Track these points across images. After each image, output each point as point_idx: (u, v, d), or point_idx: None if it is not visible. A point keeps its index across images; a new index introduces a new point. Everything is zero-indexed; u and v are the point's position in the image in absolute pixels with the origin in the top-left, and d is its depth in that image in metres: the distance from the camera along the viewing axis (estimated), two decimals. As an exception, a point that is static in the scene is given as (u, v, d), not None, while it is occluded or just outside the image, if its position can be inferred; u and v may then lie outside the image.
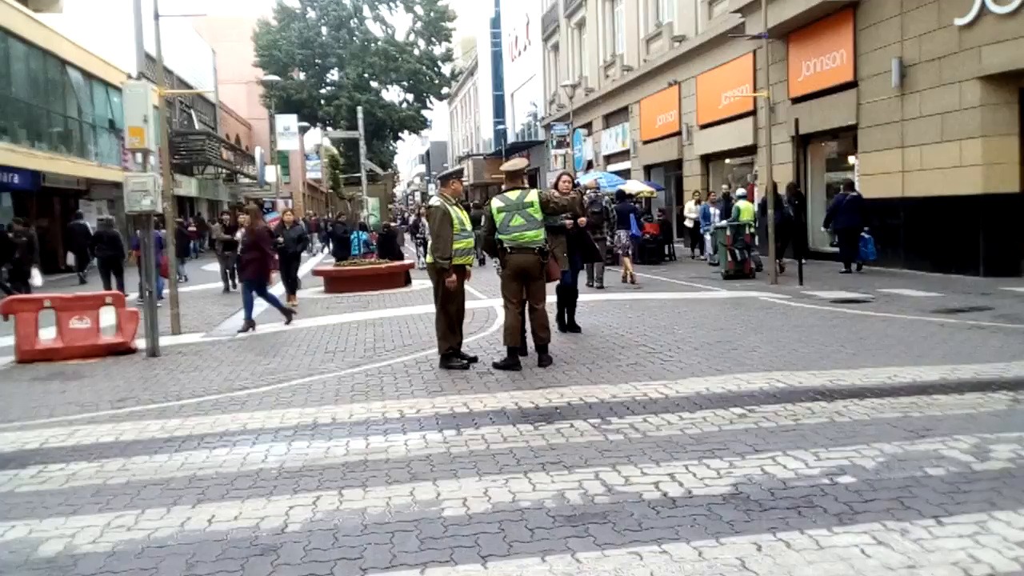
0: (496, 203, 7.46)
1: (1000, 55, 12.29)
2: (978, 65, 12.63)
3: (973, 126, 12.82)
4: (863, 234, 14.84)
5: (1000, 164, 12.65)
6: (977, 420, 5.05)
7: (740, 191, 17.57)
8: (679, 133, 24.33)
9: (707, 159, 23.28)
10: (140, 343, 9.45)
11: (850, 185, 15.68)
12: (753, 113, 19.68)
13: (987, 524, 3.46)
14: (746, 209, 16.17)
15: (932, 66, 13.59)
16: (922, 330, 8.53)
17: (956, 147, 13.15)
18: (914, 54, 14.02)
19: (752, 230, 15.56)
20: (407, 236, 30.24)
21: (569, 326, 9.23)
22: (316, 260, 23.71)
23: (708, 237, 18.06)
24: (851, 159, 16.81)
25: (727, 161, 22.76)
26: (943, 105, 13.38)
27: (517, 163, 8.05)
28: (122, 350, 9.34)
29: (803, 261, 13.81)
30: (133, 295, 13.94)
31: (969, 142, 12.90)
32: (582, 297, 12.16)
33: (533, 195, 7.46)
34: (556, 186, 8.75)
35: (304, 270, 17.66)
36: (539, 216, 7.38)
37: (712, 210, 18.29)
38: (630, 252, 16.01)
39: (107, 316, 9.75)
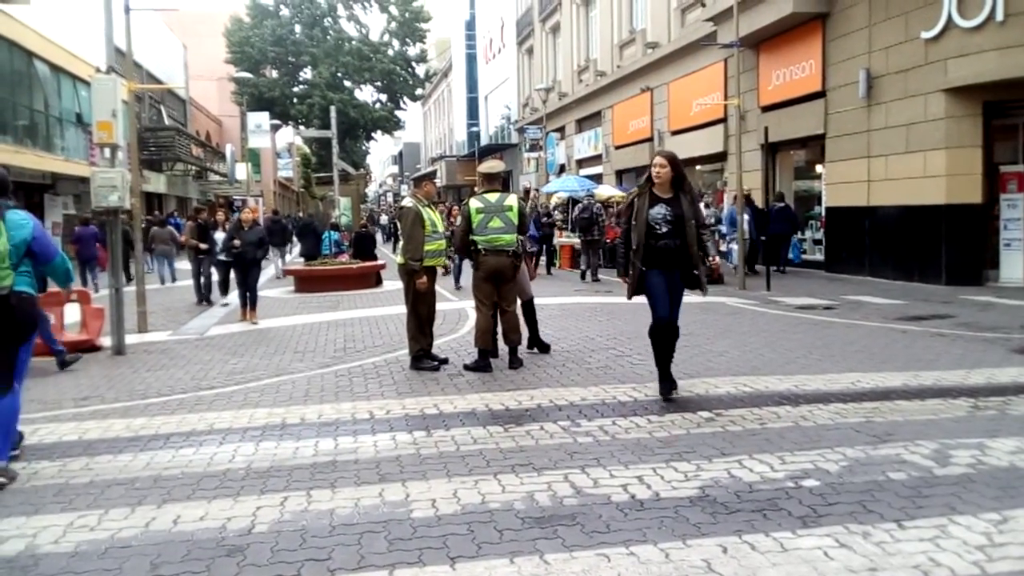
0: (475, 204, 7.44)
1: (965, 68, 12.55)
2: (943, 78, 12.89)
3: (938, 137, 13.08)
4: (793, 240, 17.01)
5: (963, 175, 12.92)
6: (938, 426, 5.15)
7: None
8: (651, 139, 24.52)
9: (678, 165, 23.44)
10: (106, 341, 9.31)
11: (780, 197, 16.91)
12: (724, 120, 19.89)
13: (947, 528, 3.53)
14: None
15: (898, 78, 13.84)
16: (885, 337, 8.68)
17: (921, 158, 13.41)
18: (881, 66, 14.27)
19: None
20: (379, 238, 30.20)
21: (663, 379, 6.10)
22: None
23: (734, 247, 15.38)
24: (818, 168, 17.08)
25: (698, 168, 22.97)
26: (909, 116, 13.63)
27: (495, 165, 8.04)
28: (87, 348, 9.19)
29: (771, 268, 14.00)
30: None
31: (933, 153, 13.16)
32: (550, 300, 12.22)
33: (512, 200, 7.49)
34: (651, 167, 5.96)
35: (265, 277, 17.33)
36: (516, 220, 7.41)
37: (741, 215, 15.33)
38: (533, 252, 17.72)
39: (72, 313, 9.60)
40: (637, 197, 6.06)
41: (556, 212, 22.46)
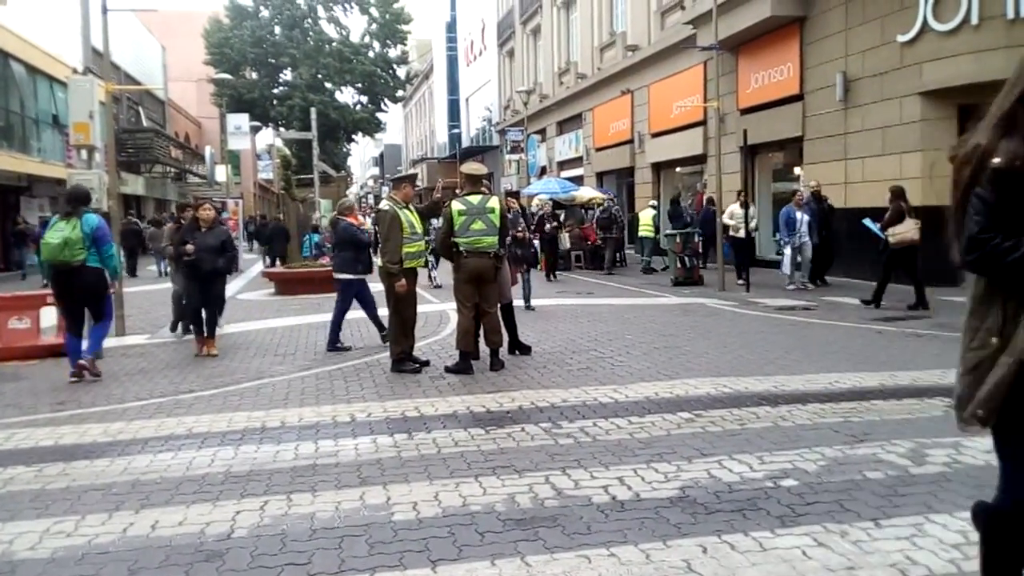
0: (457, 205, 7.43)
1: (940, 71, 12.71)
2: (919, 81, 13.03)
3: (913, 140, 13.22)
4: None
5: (939, 177, 13.03)
6: (915, 425, 5.21)
7: (652, 202, 19.61)
8: (631, 141, 24.62)
9: (658, 167, 23.60)
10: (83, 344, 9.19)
11: (711, 201, 17.06)
12: (703, 123, 20.01)
13: (924, 527, 3.57)
14: (644, 218, 18.35)
15: (875, 81, 13.99)
16: (863, 337, 8.76)
17: (897, 160, 13.55)
18: (858, 69, 14.41)
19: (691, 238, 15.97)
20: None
21: None
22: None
23: (788, 251, 13.67)
24: (797, 170, 17.22)
25: (678, 170, 23.10)
26: (885, 119, 13.78)
27: (480, 167, 8.04)
28: (63, 352, 9.07)
29: (749, 270, 14.08)
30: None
31: (909, 155, 13.30)
32: (532, 302, 12.16)
33: (494, 202, 7.49)
34: None
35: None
36: (498, 223, 7.41)
37: (799, 215, 13.52)
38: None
39: (48, 316, 9.48)
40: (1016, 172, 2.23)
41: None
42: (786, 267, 13.84)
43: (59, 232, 7.23)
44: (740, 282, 14.27)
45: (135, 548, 3.58)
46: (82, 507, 4.11)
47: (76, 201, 7.50)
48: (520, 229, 11.49)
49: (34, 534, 3.77)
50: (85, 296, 7.54)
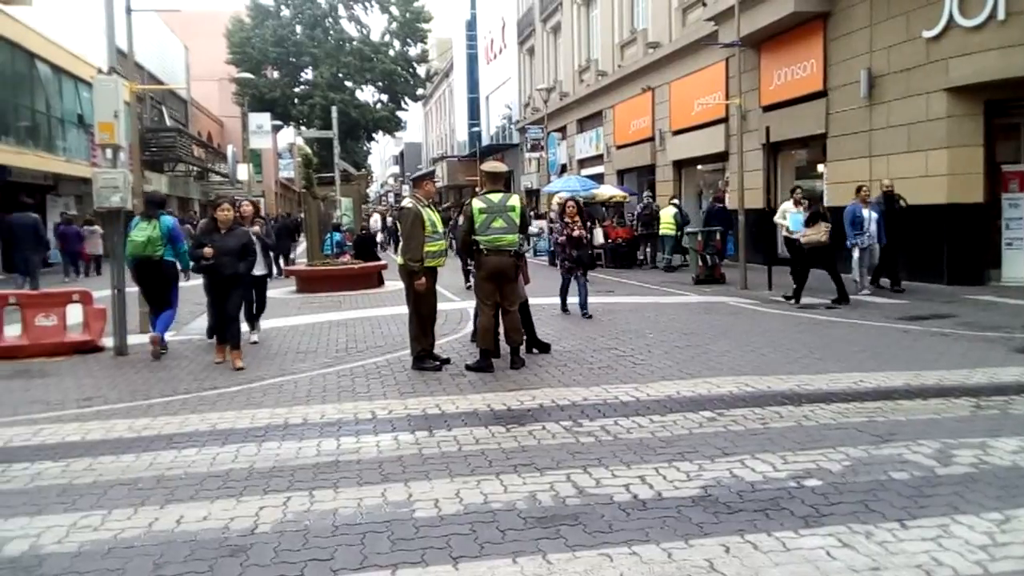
0: (478, 204, 7.45)
1: (966, 67, 12.54)
2: (945, 77, 12.87)
3: (939, 137, 13.06)
4: (729, 235, 17.01)
5: (965, 175, 12.90)
6: (940, 425, 5.15)
7: (674, 200, 19.94)
8: (652, 139, 24.50)
9: (680, 165, 23.47)
10: (108, 341, 9.31)
11: (719, 199, 17.84)
12: (725, 120, 19.87)
13: (950, 528, 3.53)
14: (665, 216, 18.69)
15: (900, 77, 13.83)
16: (887, 336, 8.67)
17: (922, 157, 13.39)
18: (882, 65, 14.26)
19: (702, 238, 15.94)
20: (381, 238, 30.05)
21: None
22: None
23: (856, 253, 12.51)
24: (820, 167, 17.07)
25: (699, 167, 22.97)
26: (910, 116, 13.62)
27: (500, 165, 8.06)
28: (89, 348, 9.20)
29: (771, 268, 13.97)
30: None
31: (935, 152, 13.14)
32: (551, 300, 12.14)
33: (515, 200, 7.50)
34: None
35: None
36: (518, 221, 7.42)
37: (866, 213, 12.39)
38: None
39: (74, 313, 9.61)
40: None
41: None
42: (855, 271, 12.58)
43: (143, 232, 8.51)
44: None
45: (160, 543, 3.62)
46: (108, 502, 4.17)
47: (154, 205, 9.05)
48: (577, 229, 11.00)
49: (61, 528, 3.82)
50: (161, 284, 8.90)
